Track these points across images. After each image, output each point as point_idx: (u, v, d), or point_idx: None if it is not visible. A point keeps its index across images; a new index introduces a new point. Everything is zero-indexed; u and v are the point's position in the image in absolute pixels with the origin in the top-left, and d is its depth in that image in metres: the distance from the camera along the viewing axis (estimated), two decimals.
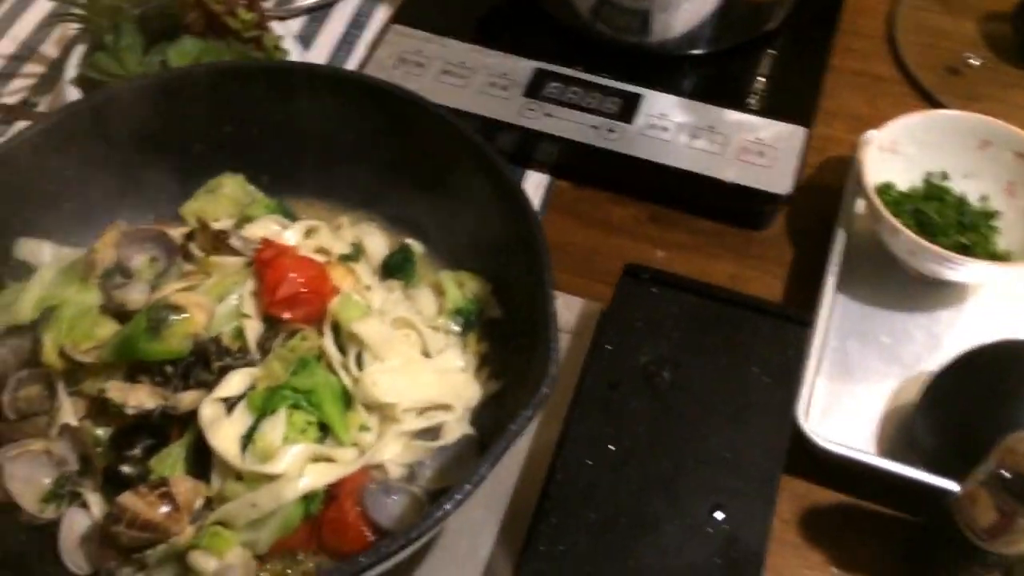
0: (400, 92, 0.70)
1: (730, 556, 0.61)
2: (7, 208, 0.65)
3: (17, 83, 0.97)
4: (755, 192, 0.84)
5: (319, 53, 0.99)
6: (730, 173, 0.85)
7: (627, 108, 0.90)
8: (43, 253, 0.66)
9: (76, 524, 0.57)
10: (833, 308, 0.79)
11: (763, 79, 0.93)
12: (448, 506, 0.50)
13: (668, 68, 0.93)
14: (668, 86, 0.91)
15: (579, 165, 0.91)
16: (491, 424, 0.63)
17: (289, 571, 0.57)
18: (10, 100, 0.95)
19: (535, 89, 0.91)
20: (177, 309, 0.59)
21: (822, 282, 0.78)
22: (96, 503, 0.58)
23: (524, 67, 0.93)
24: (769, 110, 0.89)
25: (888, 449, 0.73)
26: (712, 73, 0.94)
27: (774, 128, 0.88)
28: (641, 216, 0.89)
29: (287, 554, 0.58)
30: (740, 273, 0.85)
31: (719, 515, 0.62)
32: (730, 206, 0.87)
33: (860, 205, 0.85)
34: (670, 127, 0.88)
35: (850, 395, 0.76)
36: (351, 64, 0.99)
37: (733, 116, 0.89)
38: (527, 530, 0.64)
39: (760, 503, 0.63)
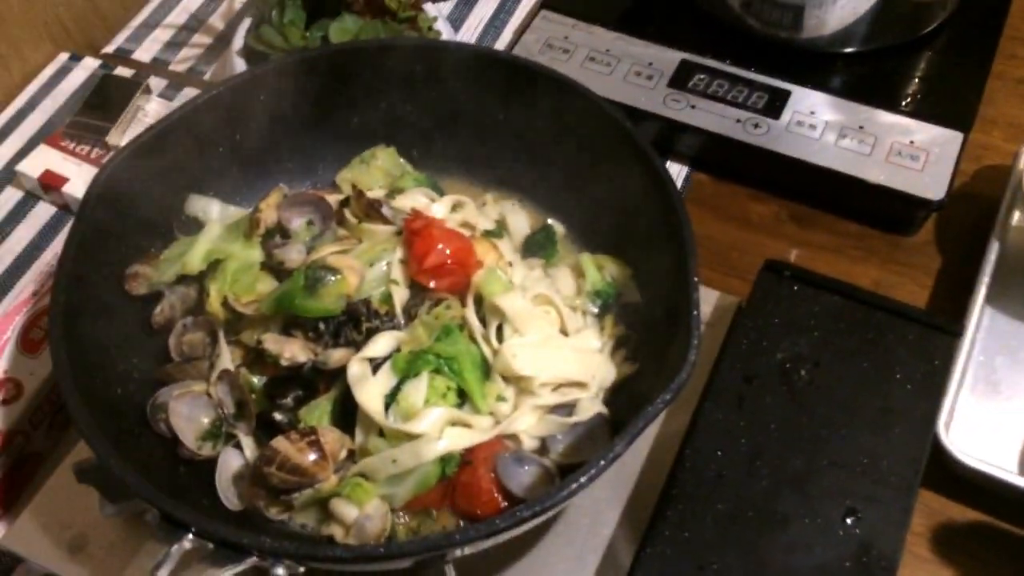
0: (553, 74, 0.71)
1: (862, 562, 0.59)
2: (182, 167, 0.69)
3: (186, 52, 1.03)
4: (905, 196, 0.81)
5: (467, 36, 1.02)
6: (879, 175, 0.82)
7: (774, 103, 0.88)
8: (211, 210, 0.70)
9: (231, 463, 0.61)
10: (981, 321, 0.76)
11: (919, 81, 0.90)
12: (584, 479, 0.51)
13: (819, 65, 0.91)
14: (818, 83, 0.89)
15: (720, 159, 0.90)
16: (624, 406, 0.63)
17: (422, 527, 0.60)
18: (179, 68, 1.01)
19: (680, 80, 0.91)
20: (332, 270, 0.62)
21: (972, 293, 0.75)
22: (249, 446, 0.61)
23: (670, 57, 0.93)
24: (924, 113, 0.86)
25: None
26: (865, 72, 0.91)
27: (929, 131, 0.85)
28: (781, 214, 0.88)
29: (421, 511, 0.60)
30: (884, 279, 0.82)
31: (852, 520, 0.61)
32: (877, 209, 0.85)
33: (1017, 217, 0.82)
34: (818, 125, 0.86)
35: (995, 412, 0.73)
36: (498, 47, 1.01)
37: (885, 117, 0.86)
38: (651, 514, 0.64)
39: (897, 512, 0.61)
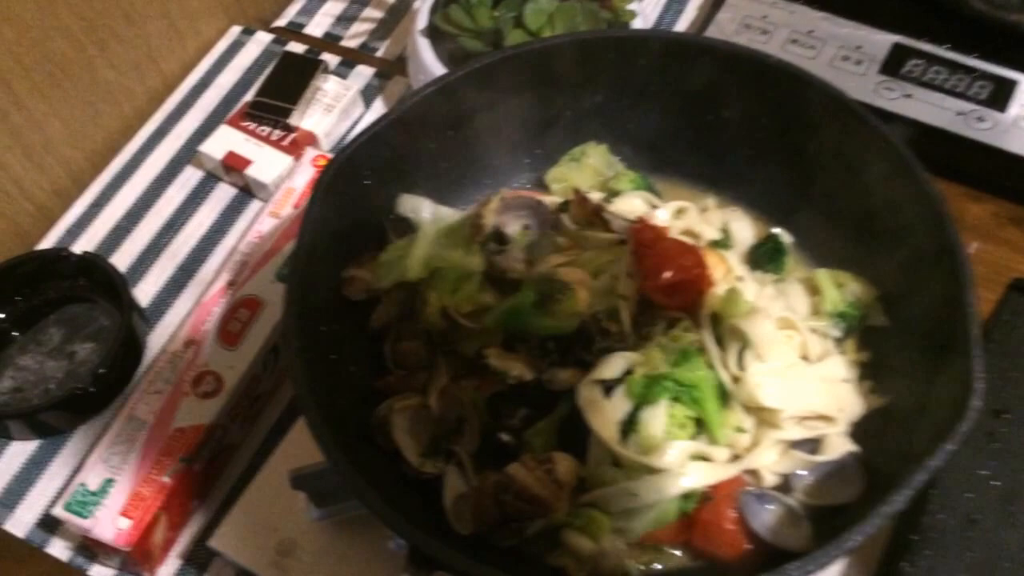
0: (779, 64, 0.65)
1: None
2: (394, 165, 0.66)
3: (357, 27, 1.00)
4: None
5: (646, 11, 0.95)
6: None
7: (999, 94, 0.81)
8: (422, 209, 0.67)
9: (454, 483, 0.58)
10: None
11: None
12: (859, 536, 0.47)
13: None
14: None
15: (936, 154, 0.82)
16: (874, 444, 0.58)
17: (657, 564, 0.57)
18: (351, 44, 0.99)
19: (893, 66, 0.84)
20: (563, 285, 0.59)
21: None
22: (469, 465, 0.59)
23: (881, 40, 0.86)
24: None
25: None
26: None
27: None
28: (1001, 215, 0.81)
29: (654, 546, 0.57)
30: None
31: None
32: None
33: None
34: None
35: None
36: (681, 25, 0.95)
37: None
38: (884, 560, 0.60)
39: None
